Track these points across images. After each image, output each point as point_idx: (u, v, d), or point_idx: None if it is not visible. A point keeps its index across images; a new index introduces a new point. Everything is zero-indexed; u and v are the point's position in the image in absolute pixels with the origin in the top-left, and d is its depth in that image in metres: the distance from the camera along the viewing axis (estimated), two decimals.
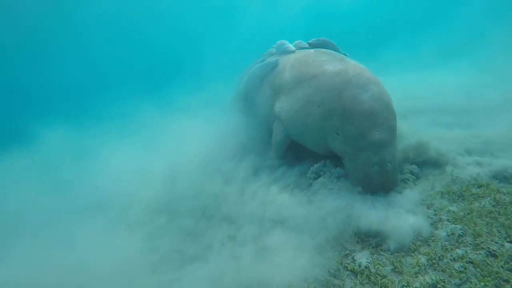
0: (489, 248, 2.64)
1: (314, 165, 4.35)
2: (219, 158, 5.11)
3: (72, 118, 9.76)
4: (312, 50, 5.29)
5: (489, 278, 2.33)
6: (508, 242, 2.68)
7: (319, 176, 4.18)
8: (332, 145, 4.06)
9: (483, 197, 3.39)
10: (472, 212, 3.15)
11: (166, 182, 4.83)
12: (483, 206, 3.22)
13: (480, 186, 3.57)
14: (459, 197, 3.49)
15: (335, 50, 5.73)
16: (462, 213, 3.18)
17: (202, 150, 5.56)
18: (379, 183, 3.68)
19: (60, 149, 7.50)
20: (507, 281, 2.28)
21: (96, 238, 3.77)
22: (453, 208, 3.33)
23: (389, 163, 3.66)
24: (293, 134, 4.57)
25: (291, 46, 5.65)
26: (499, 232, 2.81)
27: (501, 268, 2.40)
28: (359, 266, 2.77)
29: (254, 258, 2.89)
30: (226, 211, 3.82)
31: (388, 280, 2.57)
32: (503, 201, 3.21)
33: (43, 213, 4.46)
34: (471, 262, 2.55)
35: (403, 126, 5.13)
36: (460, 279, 2.42)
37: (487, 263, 2.49)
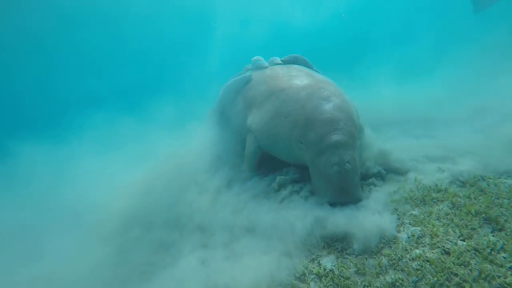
0: (444, 246, 2.81)
1: (279, 176, 4.51)
2: (195, 169, 5.19)
3: (48, 132, 9.60)
4: (284, 66, 5.57)
5: (442, 274, 2.48)
6: (461, 240, 2.86)
7: (283, 187, 4.32)
8: (298, 155, 4.22)
9: (442, 201, 3.59)
10: (431, 215, 3.33)
11: (142, 194, 4.84)
12: (441, 209, 3.42)
13: (439, 191, 3.79)
14: (420, 201, 3.69)
15: (306, 66, 6.05)
16: (422, 216, 3.36)
17: (179, 162, 5.63)
18: (340, 183, 3.72)
19: (35, 163, 7.35)
20: (456, 274, 2.44)
21: (67, 249, 3.73)
22: (415, 212, 3.51)
23: (347, 163, 3.74)
24: (264, 145, 4.73)
25: (265, 63, 5.91)
26: (453, 231, 3.00)
27: (452, 264, 2.56)
28: (324, 269, 2.87)
29: (223, 263, 2.95)
30: (198, 221, 3.88)
31: (351, 281, 2.68)
32: (459, 204, 3.43)
33: (14, 224, 4.38)
34: (427, 261, 2.70)
35: (374, 136, 5.44)
36: (417, 276, 2.55)
37: (441, 260, 2.64)
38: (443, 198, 3.62)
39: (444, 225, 3.13)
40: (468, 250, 2.68)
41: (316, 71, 6.16)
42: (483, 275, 2.38)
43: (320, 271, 2.85)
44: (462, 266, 2.53)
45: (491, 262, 2.50)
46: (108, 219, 4.40)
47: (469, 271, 2.46)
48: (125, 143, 7.43)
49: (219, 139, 5.86)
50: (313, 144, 3.93)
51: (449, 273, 2.47)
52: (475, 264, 2.52)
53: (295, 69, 5.24)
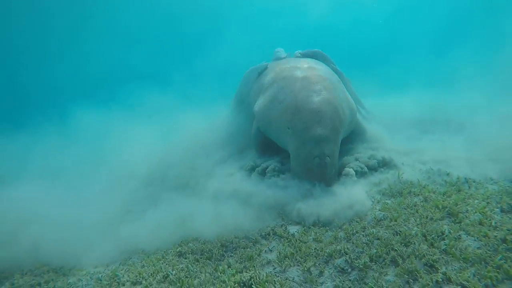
0: (397, 229, 3.09)
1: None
2: (207, 144, 5.87)
3: (102, 104, 10.90)
4: (298, 58, 5.93)
5: (383, 248, 2.79)
6: (416, 226, 3.11)
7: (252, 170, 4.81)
8: (285, 139, 4.61)
9: (417, 195, 3.80)
10: (400, 205, 3.58)
11: (162, 158, 5.63)
12: (412, 201, 3.64)
13: (418, 187, 3.98)
14: (398, 193, 3.92)
15: (325, 61, 6.35)
16: (393, 205, 3.62)
17: (198, 135, 6.36)
18: (319, 174, 4.12)
19: (89, 126, 8.58)
20: (395, 250, 2.74)
21: (95, 194, 4.59)
22: (389, 201, 3.77)
23: (327, 157, 4.12)
24: (261, 126, 5.19)
25: (282, 54, 6.31)
26: (414, 219, 3.24)
27: (396, 242, 2.85)
28: (287, 233, 3.31)
29: (200, 214, 3.54)
30: (194, 182, 4.55)
31: (306, 245, 3.09)
32: (430, 198, 3.62)
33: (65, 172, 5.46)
34: (378, 238, 3.01)
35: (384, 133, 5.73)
36: (362, 248, 2.89)
37: (389, 239, 2.94)
38: (419, 193, 3.82)
39: (407, 213, 3.37)
40: (416, 235, 2.94)
41: (334, 67, 6.44)
42: (417, 253, 2.65)
43: (283, 234, 3.30)
44: (404, 245, 2.81)
45: (431, 245, 2.76)
46: (131, 176, 5.22)
47: (406, 249, 2.74)
48: (164, 116, 8.38)
49: (234, 121, 6.43)
50: (298, 132, 4.33)
51: (390, 249, 2.78)
52: (416, 244, 2.79)
53: (305, 62, 5.60)
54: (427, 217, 3.23)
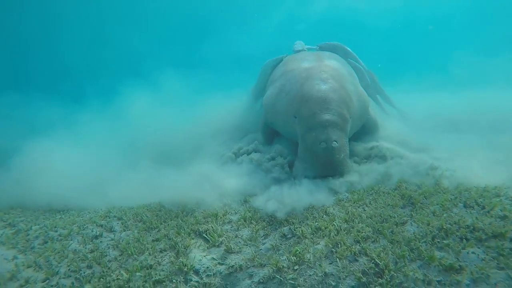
0: (349, 209, 3.28)
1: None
2: (219, 128, 6.45)
3: (148, 81, 12.23)
4: (313, 51, 6.06)
5: (326, 223, 3.04)
6: (370, 209, 3.25)
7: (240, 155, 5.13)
8: (292, 129, 4.70)
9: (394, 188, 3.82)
10: (368, 191, 3.70)
11: (178, 135, 6.42)
12: (384, 189, 3.71)
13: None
14: (375, 182, 4.00)
15: (345, 55, 6.35)
16: (361, 190, 3.76)
17: (213, 119, 6.99)
18: (326, 160, 4.09)
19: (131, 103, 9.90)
20: (334, 225, 2.97)
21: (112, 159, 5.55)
22: (360, 187, 3.90)
23: (334, 142, 4.07)
24: (269, 118, 5.38)
25: (298, 46, 6.46)
26: (373, 204, 3.37)
27: (340, 220, 3.07)
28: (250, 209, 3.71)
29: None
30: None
31: (263, 213, 3.46)
32: (400, 188, 3.65)
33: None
34: (327, 214, 3.24)
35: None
36: (308, 221, 3.17)
37: (335, 216, 3.16)
38: (395, 185, 3.83)
39: (370, 198, 3.50)
40: (360, 215, 3.10)
41: (354, 62, 6.39)
42: (351, 230, 2.86)
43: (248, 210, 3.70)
44: (345, 222, 3.02)
45: (369, 225, 2.92)
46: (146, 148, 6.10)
47: (345, 225, 2.96)
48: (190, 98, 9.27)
49: (248, 111, 6.85)
50: (305, 119, 4.37)
51: (331, 224, 3.02)
52: (355, 223, 2.98)
53: (317, 54, 5.69)
54: (386, 203, 3.33)
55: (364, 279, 2.28)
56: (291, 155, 4.96)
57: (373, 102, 6.79)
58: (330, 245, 2.71)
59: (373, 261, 2.41)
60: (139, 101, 8.79)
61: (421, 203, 3.23)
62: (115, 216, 3.54)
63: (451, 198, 3.25)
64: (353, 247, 2.62)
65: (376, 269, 2.35)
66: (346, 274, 2.38)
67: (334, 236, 2.81)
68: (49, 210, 3.98)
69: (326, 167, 4.15)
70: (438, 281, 2.20)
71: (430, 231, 2.69)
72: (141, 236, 3.09)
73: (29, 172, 4.39)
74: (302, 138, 4.39)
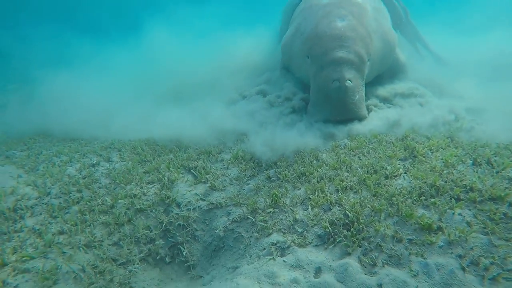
0: (342, 158, 3.09)
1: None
2: (241, 68, 6.16)
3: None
4: None
5: (315, 168, 2.92)
6: (366, 159, 3.03)
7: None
8: (305, 72, 4.29)
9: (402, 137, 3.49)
10: (371, 139, 3.42)
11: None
12: (389, 139, 3.41)
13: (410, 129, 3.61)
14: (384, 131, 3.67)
15: None
16: (364, 138, 3.48)
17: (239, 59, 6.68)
18: (338, 100, 3.71)
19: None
20: (319, 172, 2.84)
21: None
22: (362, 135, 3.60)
23: (348, 81, 3.68)
24: (285, 61, 4.94)
25: None
26: (372, 153, 3.13)
27: (328, 167, 2.92)
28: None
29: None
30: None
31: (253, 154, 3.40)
32: (407, 138, 3.31)
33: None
34: (318, 160, 3.10)
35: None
36: (298, 166, 3.07)
37: (325, 161, 3.00)
38: (402, 135, 3.48)
39: (370, 148, 3.24)
40: (360, 167, 2.90)
41: None
42: (336, 178, 2.72)
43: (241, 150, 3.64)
44: (333, 169, 2.87)
45: (356, 175, 2.74)
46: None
47: (332, 173, 2.82)
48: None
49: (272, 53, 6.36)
50: (317, 57, 3.96)
51: (318, 169, 2.89)
52: (341, 171, 2.82)
53: None
54: (385, 154, 3.07)
55: (329, 229, 2.21)
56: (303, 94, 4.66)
57: (406, 42, 5.92)
58: (309, 192, 2.63)
59: (343, 212, 2.31)
60: (159, 35, 8.56)
61: (423, 157, 2.92)
62: (115, 148, 3.73)
63: (461, 154, 2.89)
64: (331, 195, 2.51)
65: (346, 221, 2.26)
66: (315, 222, 2.32)
67: (315, 183, 2.71)
68: (63, 139, 4.30)
69: (339, 109, 3.79)
70: (409, 240, 2.06)
71: (419, 187, 2.46)
72: (133, 167, 3.25)
73: (49, 103, 4.66)
74: (314, 78, 4.04)
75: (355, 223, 2.21)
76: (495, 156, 2.79)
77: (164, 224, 2.74)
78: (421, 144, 3.15)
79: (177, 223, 2.75)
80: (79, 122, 4.37)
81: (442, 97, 4.66)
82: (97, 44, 9.61)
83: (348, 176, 2.73)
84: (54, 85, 5.15)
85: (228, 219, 2.69)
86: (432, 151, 3.03)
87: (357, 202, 2.38)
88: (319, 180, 2.75)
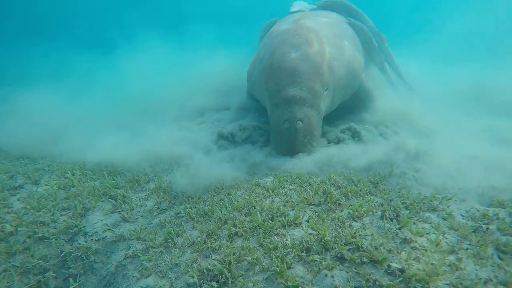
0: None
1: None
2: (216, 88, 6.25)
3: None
4: (306, 12, 5.26)
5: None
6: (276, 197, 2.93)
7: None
8: (265, 101, 4.29)
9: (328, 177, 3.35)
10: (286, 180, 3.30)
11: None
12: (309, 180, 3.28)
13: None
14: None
15: (348, 13, 5.44)
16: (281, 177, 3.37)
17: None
18: (288, 141, 3.72)
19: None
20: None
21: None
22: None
23: (299, 121, 3.66)
24: (249, 88, 4.96)
25: (295, 7, 5.62)
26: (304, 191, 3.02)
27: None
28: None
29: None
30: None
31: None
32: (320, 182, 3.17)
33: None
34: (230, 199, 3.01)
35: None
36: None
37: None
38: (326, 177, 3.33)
39: (289, 190, 3.13)
40: (263, 210, 2.80)
41: (362, 20, 5.42)
42: (238, 225, 2.63)
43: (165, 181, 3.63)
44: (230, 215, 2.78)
45: (265, 220, 2.64)
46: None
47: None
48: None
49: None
50: (272, 94, 3.96)
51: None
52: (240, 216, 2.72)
53: (305, 14, 4.92)
54: (298, 198, 2.94)
55: (195, 279, 2.12)
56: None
57: (378, 69, 5.78)
58: (200, 234, 2.56)
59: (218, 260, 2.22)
60: (139, 55, 8.89)
61: (333, 204, 2.78)
62: (49, 170, 3.81)
63: (374, 204, 2.72)
64: (215, 241, 2.43)
65: (215, 272, 2.16)
66: (188, 270, 2.24)
67: (211, 225, 2.63)
68: (16, 157, 4.43)
69: (289, 148, 3.80)
70: None
71: (308, 240, 2.32)
72: (54, 192, 3.30)
73: (7, 118, 4.87)
74: (270, 114, 4.05)
75: (224, 276, 2.11)
76: (406, 209, 2.61)
77: (63, 254, 2.74)
78: (339, 189, 3.00)
79: (76, 254, 2.74)
80: (32, 139, 4.51)
81: (404, 132, 4.48)
82: (77, 61, 10.08)
83: (244, 220, 2.63)
84: (18, 101, 5.43)
85: (125, 254, 2.65)
86: (348, 197, 2.88)
87: (236, 251, 2.27)
88: (216, 221, 2.67)
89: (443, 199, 2.72)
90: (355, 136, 4.17)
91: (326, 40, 4.34)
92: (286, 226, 2.54)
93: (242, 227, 2.54)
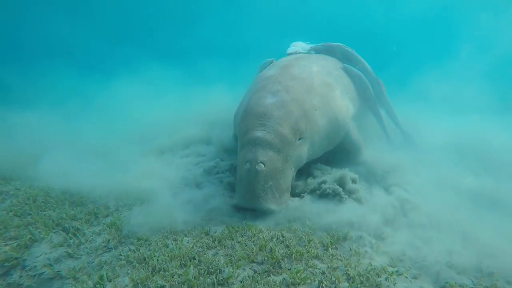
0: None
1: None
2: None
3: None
4: (298, 55, 5.33)
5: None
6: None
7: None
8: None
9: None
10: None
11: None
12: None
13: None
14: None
15: (345, 57, 5.44)
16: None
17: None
18: (247, 184, 3.39)
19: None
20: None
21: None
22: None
23: (261, 164, 3.36)
24: (235, 130, 4.87)
25: (291, 49, 5.71)
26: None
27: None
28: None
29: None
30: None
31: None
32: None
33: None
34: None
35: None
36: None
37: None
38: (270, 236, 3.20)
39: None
40: (202, 264, 2.70)
41: (358, 65, 5.41)
42: (165, 278, 2.54)
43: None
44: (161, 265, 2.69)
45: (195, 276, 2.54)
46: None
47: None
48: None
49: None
50: (241, 136, 3.84)
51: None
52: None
53: (297, 58, 4.98)
54: (239, 254, 2.82)
55: None
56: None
57: (374, 118, 5.66)
58: (130, 281, 2.47)
59: None
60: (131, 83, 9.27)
61: (272, 266, 2.63)
62: (13, 195, 3.88)
63: (314, 271, 2.56)
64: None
65: None
66: None
67: (144, 273, 2.55)
68: None
69: (246, 195, 3.40)
70: None
71: None
72: (8, 219, 3.33)
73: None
74: (238, 158, 3.80)
75: None
76: (346, 282, 2.43)
77: None
78: (287, 248, 2.86)
79: None
80: (13, 159, 4.67)
81: (384, 188, 4.31)
82: (80, 84, 10.65)
83: (175, 273, 2.53)
84: (12, 121, 5.69)
85: None
86: (291, 260, 2.73)
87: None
88: (149, 270, 2.59)
89: (392, 274, 2.53)
90: (330, 192, 3.95)
91: (308, 89, 4.31)
92: (216, 285, 2.42)
93: (170, 281, 2.44)
